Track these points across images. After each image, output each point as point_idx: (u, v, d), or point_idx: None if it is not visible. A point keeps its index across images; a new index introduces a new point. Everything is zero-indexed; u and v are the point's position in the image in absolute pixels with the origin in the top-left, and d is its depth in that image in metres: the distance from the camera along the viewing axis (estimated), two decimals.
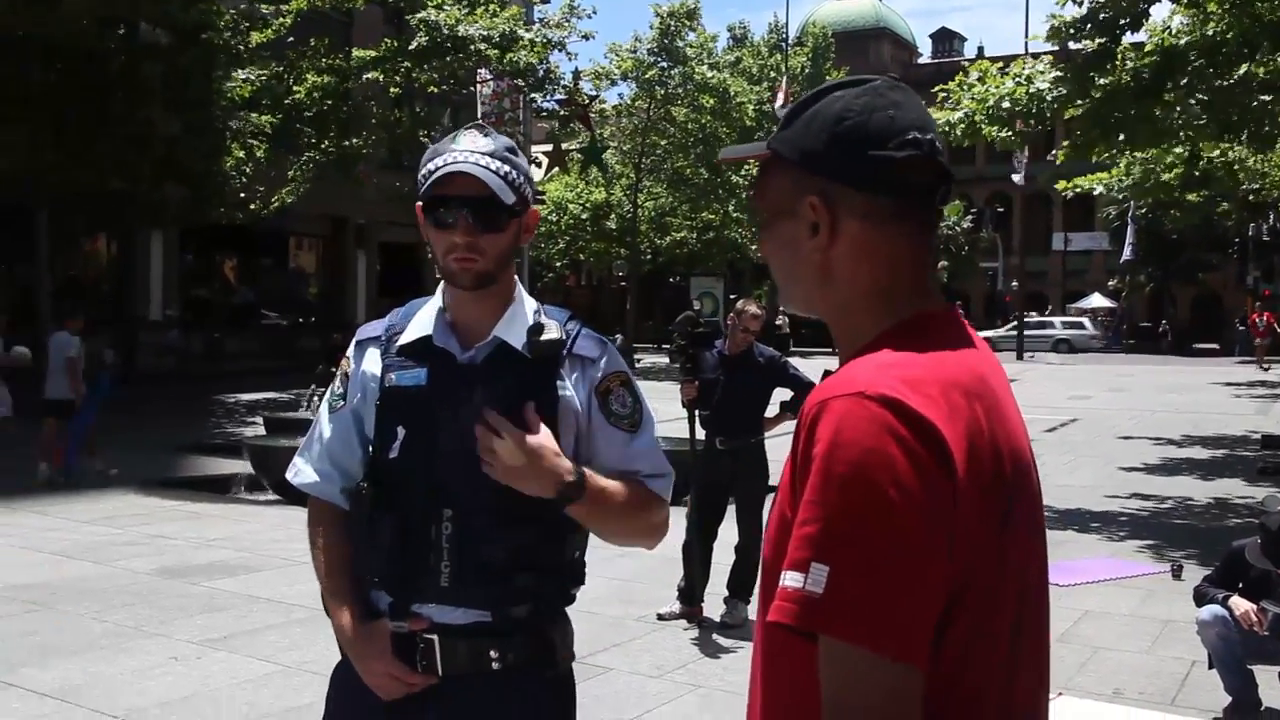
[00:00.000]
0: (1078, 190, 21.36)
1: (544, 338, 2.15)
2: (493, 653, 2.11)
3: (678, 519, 7.06)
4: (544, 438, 2.03)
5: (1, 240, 21.35)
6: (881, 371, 1.25)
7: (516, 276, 2.27)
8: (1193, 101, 11.64)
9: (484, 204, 2.10)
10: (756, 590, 1.42)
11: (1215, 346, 43.62)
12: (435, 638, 2.11)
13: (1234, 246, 46.11)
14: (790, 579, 1.19)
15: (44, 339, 12.41)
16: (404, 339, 2.21)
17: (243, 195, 21.20)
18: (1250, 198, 24.27)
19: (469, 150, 2.12)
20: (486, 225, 2.11)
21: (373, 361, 2.23)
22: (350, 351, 2.28)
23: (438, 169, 2.11)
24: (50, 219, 19.36)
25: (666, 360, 34.83)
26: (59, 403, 12.02)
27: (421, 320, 2.22)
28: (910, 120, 1.36)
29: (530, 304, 2.25)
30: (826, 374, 1.41)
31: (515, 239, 2.19)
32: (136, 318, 24.69)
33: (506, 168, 2.12)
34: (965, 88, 12.59)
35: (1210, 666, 5.32)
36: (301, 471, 2.28)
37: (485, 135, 2.17)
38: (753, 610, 6.73)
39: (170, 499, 11.15)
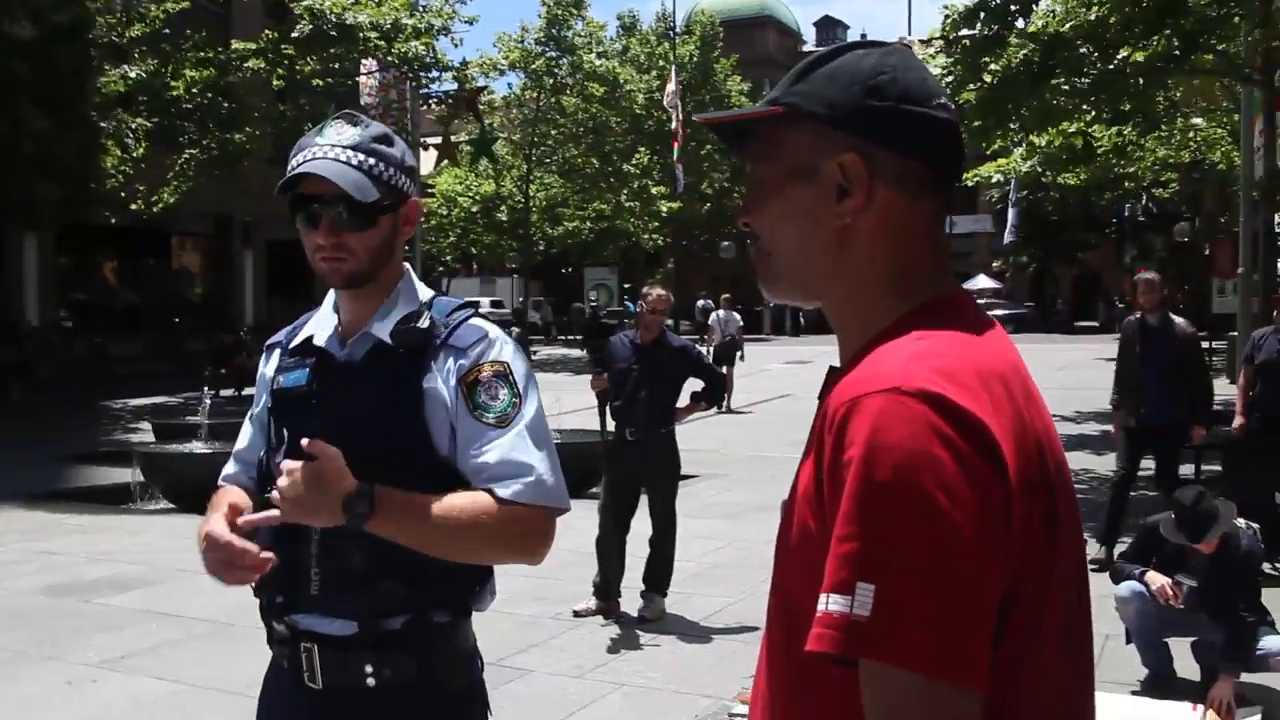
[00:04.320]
0: (977, 179, 21.97)
1: (404, 327, 2.06)
2: (368, 667, 2.01)
3: (587, 515, 6.99)
4: (323, 463, 1.88)
5: None
6: (914, 362, 1.12)
7: (409, 267, 2.18)
8: (1081, 83, 11.92)
9: (342, 204, 1.99)
10: (767, 612, 1.28)
11: (1096, 325, 44.87)
12: (315, 647, 2.04)
13: (1111, 227, 47.58)
14: (833, 603, 1.06)
15: None
16: (296, 340, 2.18)
17: (123, 194, 20.47)
18: (1127, 183, 24.85)
19: (330, 144, 2.01)
20: (349, 224, 2.01)
21: (272, 365, 2.21)
22: (262, 357, 2.28)
23: (293, 168, 2.00)
24: None
25: (562, 352, 34.73)
26: None
27: (314, 320, 2.19)
28: (938, 86, 1.26)
29: (421, 294, 2.15)
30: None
31: (390, 233, 2.08)
32: (13, 321, 23.69)
33: (371, 160, 2.01)
34: None
35: (1128, 641, 5.41)
36: (224, 475, 2.28)
37: (353, 125, 2.05)
38: (674, 605, 6.69)
39: (57, 512, 10.64)
